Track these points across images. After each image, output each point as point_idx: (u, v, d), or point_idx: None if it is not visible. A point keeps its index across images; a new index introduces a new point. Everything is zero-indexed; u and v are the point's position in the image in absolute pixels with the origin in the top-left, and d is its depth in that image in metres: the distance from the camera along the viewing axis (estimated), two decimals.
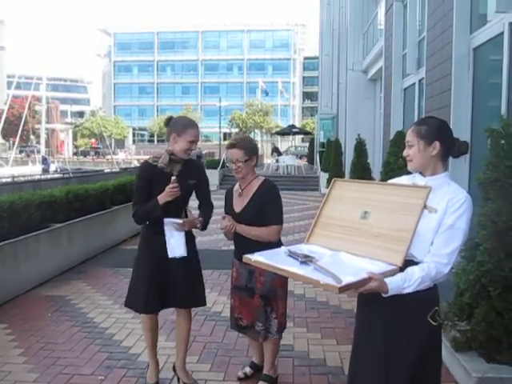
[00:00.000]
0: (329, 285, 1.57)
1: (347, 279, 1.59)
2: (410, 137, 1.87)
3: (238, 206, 2.81)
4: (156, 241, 2.81)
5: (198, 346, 3.54)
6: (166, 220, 2.76)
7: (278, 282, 2.73)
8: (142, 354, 3.40)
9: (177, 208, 2.83)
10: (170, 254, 2.78)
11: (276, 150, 26.42)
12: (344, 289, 1.56)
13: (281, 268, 1.77)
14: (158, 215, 2.76)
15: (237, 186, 2.89)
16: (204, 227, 2.93)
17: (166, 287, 2.84)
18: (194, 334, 3.78)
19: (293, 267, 1.74)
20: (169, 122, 2.84)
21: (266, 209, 2.71)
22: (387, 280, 1.65)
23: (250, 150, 2.76)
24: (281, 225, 2.77)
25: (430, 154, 1.82)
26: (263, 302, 2.76)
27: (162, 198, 2.73)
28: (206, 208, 3.01)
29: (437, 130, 1.83)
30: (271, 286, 2.73)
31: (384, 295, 1.66)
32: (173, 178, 2.73)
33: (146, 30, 70.15)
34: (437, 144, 1.81)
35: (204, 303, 3.03)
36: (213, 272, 5.65)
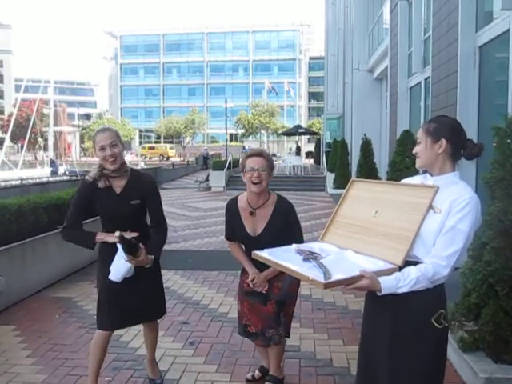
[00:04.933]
0: (315, 281, 1.60)
1: (336, 276, 1.61)
2: (419, 134, 1.87)
3: (253, 227, 2.64)
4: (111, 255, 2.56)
5: (204, 347, 3.55)
6: (119, 246, 2.47)
7: (294, 286, 2.71)
8: None
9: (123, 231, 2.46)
10: (111, 271, 2.57)
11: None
12: (329, 285, 1.59)
13: (279, 263, 1.82)
14: (90, 248, 2.61)
15: (242, 203, 2.67)
16: (155, 261, 2.64)
17: (125, 303, 2.67)
18: (201, 334, 3.79)
19: (292, 263, 1.78)
20: None
21: (284, 229, 2.59)
22: (381, 279, 1.65)
23: (271, 163, 2.65)
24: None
25: (436, 151, 1.81)
26: (278, 307, 2.68)
27: (102, 237, 2.55)
28: (158, 234, 2.68)
29: (444, 128, 1.82)
30: (288, 291, 2.69)
31: (378, 294, 1.66)
32: (116, 233, 2.36)
33: (152, 32, 70.52)
34: (443, 142, 1.80)
35: (164, 312, 2.93)
36: (219, 273, 5.66)
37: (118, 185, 2.60)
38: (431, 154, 1.82)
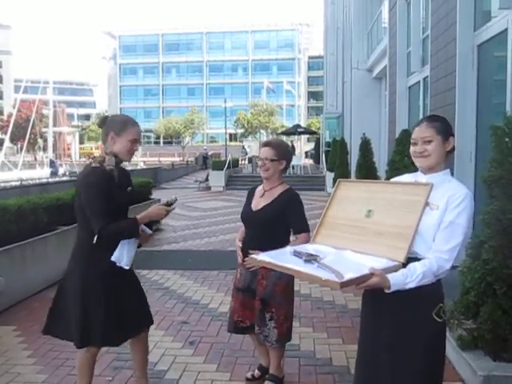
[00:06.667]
0: (330, 281, 1.59)
1: (348, 275, 1.61)
2: (427, 132, 1.82)
3: (257, 204, 2.82)
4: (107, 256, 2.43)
5: (204, 347, 3.56)
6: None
7: (280, 287, 2.71)
8: (150, 355, 3.42)
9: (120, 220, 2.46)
10: (114, 258, 2.42)
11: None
12: (345, 284, 1.58)
13: (284, 266, 1.80)
14: (136, 236, 2.47)
15: (260, 187, 2.91)
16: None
17: (123, 310, 2.51)
18: (201, 334, 3.81)
19: (296, 265, 1.77)
20: (104, 121, 2.51)
21: (286, 216, 2.71)
22: (389, 276, 1.66)
23: (283, 153, 2.80)
24: (309, 232, 2.64)
25: (445, 149, 1.85)
26: (262, 305, 2.73)
27: (147, 218, 2.46)
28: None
29: (449, 126, 1.88)
30: (272, 291, 2.71)
31: (387, 291, 1.67)
32: (173, 197, 2.55)
33: (151, 32, 70.49)
34: (451, 139, 1.84)
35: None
36: (219, 273, 5.68)
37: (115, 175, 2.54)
38: (442, 152, 1.84)
